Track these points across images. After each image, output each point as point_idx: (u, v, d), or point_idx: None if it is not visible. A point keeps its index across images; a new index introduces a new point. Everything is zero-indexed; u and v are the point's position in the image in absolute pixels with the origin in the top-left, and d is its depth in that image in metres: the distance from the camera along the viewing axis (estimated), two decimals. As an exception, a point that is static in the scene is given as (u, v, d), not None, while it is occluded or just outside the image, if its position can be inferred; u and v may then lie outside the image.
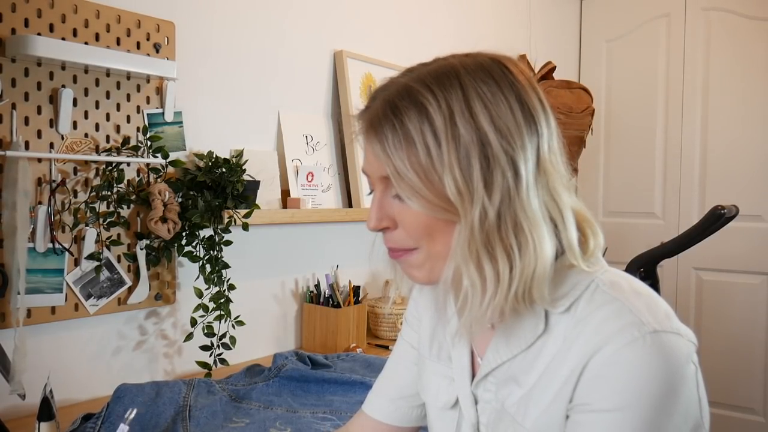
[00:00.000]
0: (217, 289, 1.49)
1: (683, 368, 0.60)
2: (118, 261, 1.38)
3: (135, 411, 1.00)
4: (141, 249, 1.41)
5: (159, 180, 1.43)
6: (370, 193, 0.71)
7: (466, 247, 0.62)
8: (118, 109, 1.37)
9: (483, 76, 0.64)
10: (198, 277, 1.50)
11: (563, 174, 0.67)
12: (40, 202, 1.25)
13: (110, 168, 1.35)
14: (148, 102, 1.43)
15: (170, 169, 1.46)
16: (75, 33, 1.29)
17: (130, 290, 1.40)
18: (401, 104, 0.63)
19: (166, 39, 1.45)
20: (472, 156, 0.61)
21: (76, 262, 1.31)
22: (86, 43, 1.30)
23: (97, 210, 1.33)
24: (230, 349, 1.50)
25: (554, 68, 2.77)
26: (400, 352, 0.93)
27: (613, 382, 0.60)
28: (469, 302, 0.64)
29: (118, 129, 1.38)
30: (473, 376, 0.76)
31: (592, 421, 0.61)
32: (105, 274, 1.35)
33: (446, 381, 0.80)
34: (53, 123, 1.27)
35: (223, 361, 1.49)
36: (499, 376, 0.71)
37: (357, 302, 1.82)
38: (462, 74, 0.64)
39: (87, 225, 1.32)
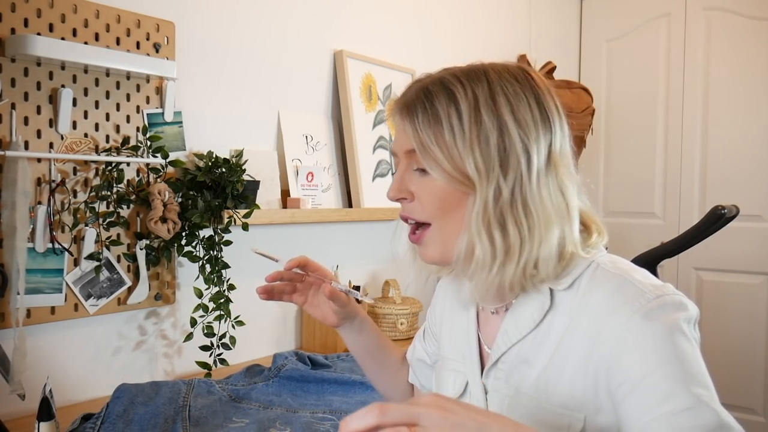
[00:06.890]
0: (216, 289, 1.49)
1: (692, 314, 0.67)
2: (118, 261, 1.38)
3: None
4: (141, 249, 1.41)
5: (159, 180, 1.43)
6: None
7: (480, 218, 0.70)
8: (118, 109, 1.37)
9: (508, 77, 0.73)
10: (198, 277, 1.50)
11: (573, 174, 0.75)
12: (39, 202, 1.25)
13: (110, 168, 1.34)
14: (147, 102, 1.43)
15: (170, 169, 1.46)
16: (75, 33, 1.29)
17: (130, 290, 1.40)
18: (433, 89, 0.73)
19: (165, 39, 1.45)
20: (491, 140, 0.70)
21: (76, 262, 1.31)
22: (86, 43, 1.30)
23: (97, 210, 1.33)
24: (230, 349, 1.50)
25: (554, 68, 2.77)
26: (422, 332, 1.05)
27: (638, 350, 0.64)
28: (480, 268, 0.71)
29: (117, 129, 1.38)
30: (482, 368, 0.81)
31: (638, 391, 0.63)
32: (105, 274, 1.35)
33: (454, 374, 0.86)
34: (53, 123, 1.27)
35: (223, 361, 1.49)
36: (509, 361, 0.76)
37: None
38: (489, 72, 0.74)
39: (86, 225, 1.32)
